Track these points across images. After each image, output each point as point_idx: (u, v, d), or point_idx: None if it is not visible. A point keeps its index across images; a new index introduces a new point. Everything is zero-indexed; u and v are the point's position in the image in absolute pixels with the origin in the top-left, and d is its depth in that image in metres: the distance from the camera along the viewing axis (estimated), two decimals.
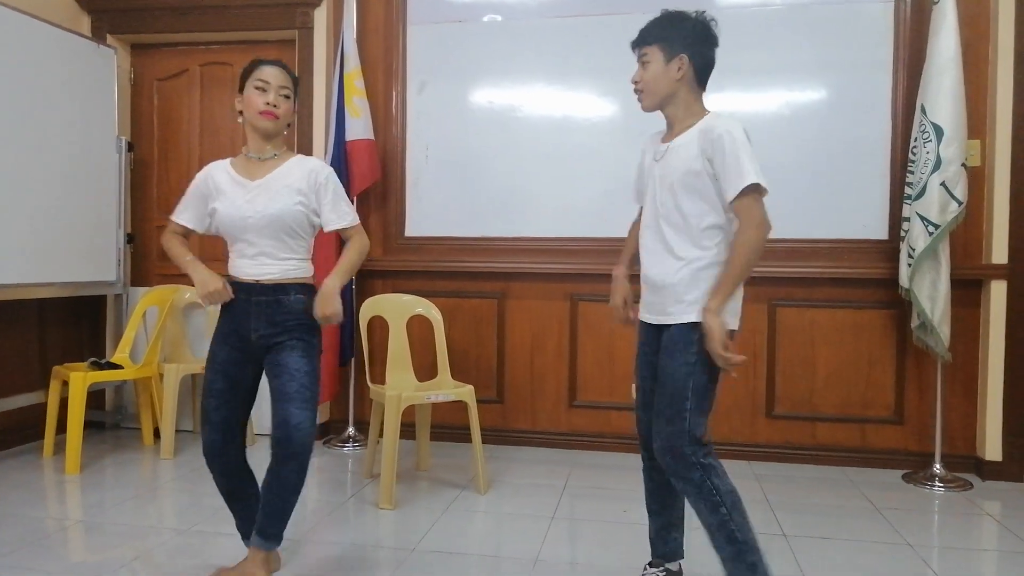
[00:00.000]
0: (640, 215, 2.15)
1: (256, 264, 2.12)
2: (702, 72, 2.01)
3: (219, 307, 2.17)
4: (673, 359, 1.94)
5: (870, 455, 3.62)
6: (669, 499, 2.16)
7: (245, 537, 2.25)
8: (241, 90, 2.15)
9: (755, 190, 1.86)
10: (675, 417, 1.91)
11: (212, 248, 3.88)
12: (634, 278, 2.18)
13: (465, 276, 3.96)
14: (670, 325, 1.97)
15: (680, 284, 1.95)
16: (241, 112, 2.14)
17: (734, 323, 1.95)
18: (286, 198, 2.11)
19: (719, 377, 1.96)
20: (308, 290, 2.17)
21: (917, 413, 3.58)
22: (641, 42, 2.02)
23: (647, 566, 2.23)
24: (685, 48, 1.96)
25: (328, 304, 2.09)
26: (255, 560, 2.12)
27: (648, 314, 2.08)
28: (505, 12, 3.97)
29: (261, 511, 2.11)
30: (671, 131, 2.05)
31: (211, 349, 2.18)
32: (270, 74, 2.10)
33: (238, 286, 2.13)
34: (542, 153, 3.92)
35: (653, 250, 2.04)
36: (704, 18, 1.99)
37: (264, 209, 2.09)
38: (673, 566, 2.21)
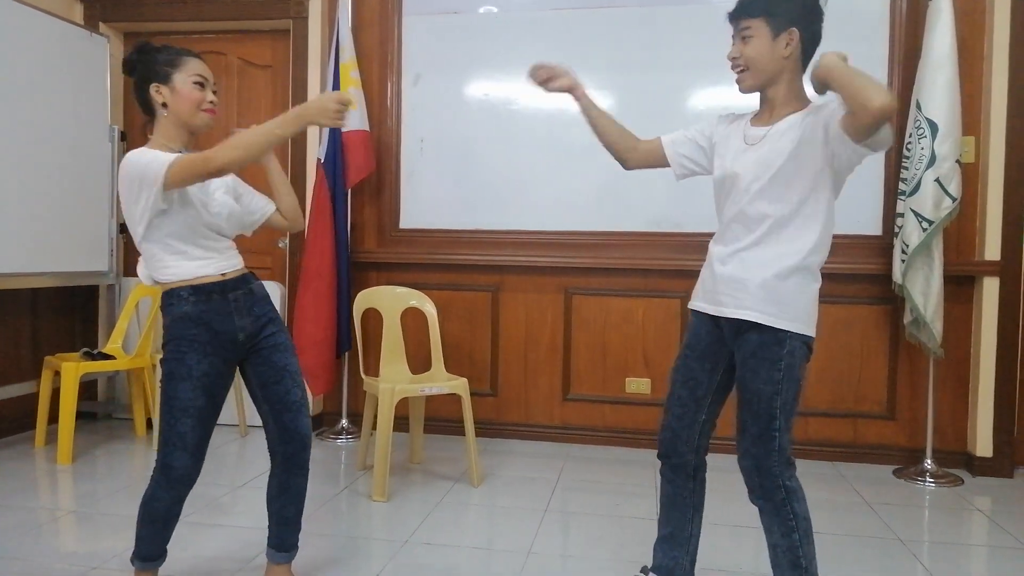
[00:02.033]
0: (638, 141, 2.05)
1: (225, 257, 2.01)
2: (810, 49, 1.80)
3: (175, 315, 1.93)
4: (757, 375, 1.78)
5: (862, 450, 3.63)
6: (675, 513, 2.05)
7: (145, 559, 2.02)
8: (161, 79, 1.95)
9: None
10: (763, 436, 1.78)
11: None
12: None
13: (459, 269, 3.95)
14: (747, 328, 1.80)
15: (766, 283, 1.77)
16: (164, 104, 1.95)
17: (812, 330, 1.80)
18: (230, 199, 2.07)
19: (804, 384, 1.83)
20: None
21: (909, 409, 3.60)
22: (744, 13, 1.79)
23: (643, 569, 2.17)
24: (794, 21, 1.75)
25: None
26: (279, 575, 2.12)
27: (707, 303, 1.90)
28: (501, 4, 3.95)
29: (277, 525, 2.08)
30: (769, 114, 1.85)
31: (180, 361, 1.90)
32: (205, 69, 2.00)
33: (206, 288, 1.95)
34: (537, 146, 3.91)
35: (734, 239, 1.85)
36: None
37: (228, 207, 2.04)
38: None
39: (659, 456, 2.05)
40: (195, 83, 1.97)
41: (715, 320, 1.89)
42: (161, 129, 1.98)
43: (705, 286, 1.94)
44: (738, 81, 1.85)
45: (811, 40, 1.80)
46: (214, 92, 2.02)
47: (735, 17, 1.83)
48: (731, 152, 1.90)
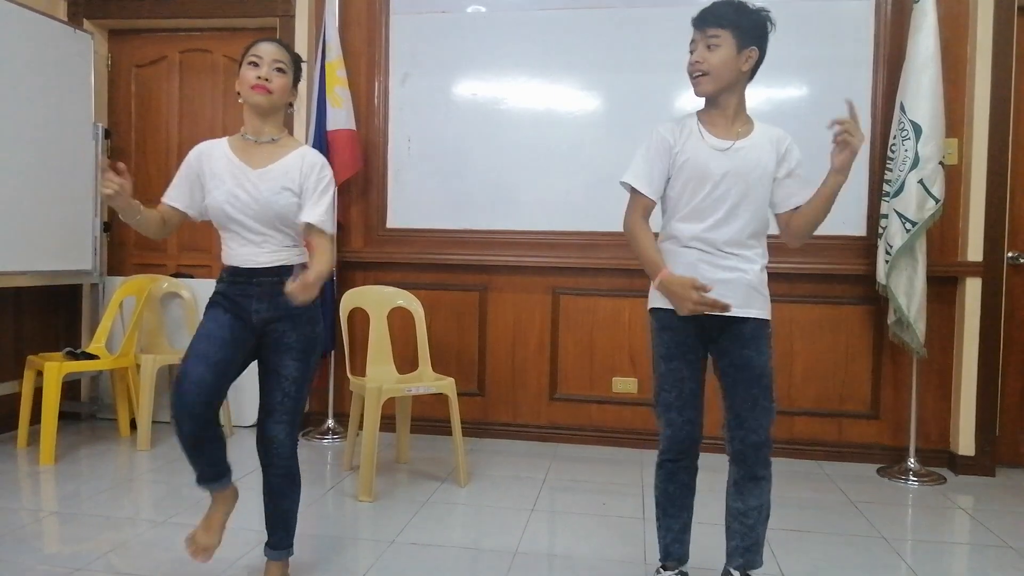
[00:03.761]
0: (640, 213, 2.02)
1: (260, 251, 2.03)
2: (758, 68, 1.96)
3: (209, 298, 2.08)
4: (761, 353, 1.96)
5: (846, 449, 3.66)
6: (689, 500, 2.09)
7: (204, 481, 2.07)
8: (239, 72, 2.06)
9: None
10: (771, 406, 1.97)
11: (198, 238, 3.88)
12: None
13: (447, 268, 3.95)
14: (747, 319, 1.96)
15: (761, 282, 2.01)
16: (239, 93, 2.04)
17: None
18: (285, 196, 2.03)
19: None
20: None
21: (892, 408, 3.63)
22: (713, 22, 1.89)
23: (660, 570, 2.12)
24: (756, 40, 1.90)
25: (310, 292, 1.91)
26: (272, 573, 2.15)
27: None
28: (489, 3, 3.95)
29: (267, 521, 2.13)
30: (725, 123, 1.95)
31: (203, 325, 2.05)
32: (264, 49, 2.01)
33: (237, 272, 2.03)
34: (525, 146, 3.91)
35: (720, 239, 1.95)
36: (767, 13, 1.94)
37: (266, 200, 2.01)
38: (686, 568, 2.12)
39: (677, 456, 2.04)
40: (249, 63, 2.02)
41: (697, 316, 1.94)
42: (245, 118, 2.08)
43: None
44: (696, 84, 1.94)
45: (761, 61, 1.95)
46: (280, 70, 2.02)
47: (704, 24, 1.90)
48: (701, 155, 1.94)
